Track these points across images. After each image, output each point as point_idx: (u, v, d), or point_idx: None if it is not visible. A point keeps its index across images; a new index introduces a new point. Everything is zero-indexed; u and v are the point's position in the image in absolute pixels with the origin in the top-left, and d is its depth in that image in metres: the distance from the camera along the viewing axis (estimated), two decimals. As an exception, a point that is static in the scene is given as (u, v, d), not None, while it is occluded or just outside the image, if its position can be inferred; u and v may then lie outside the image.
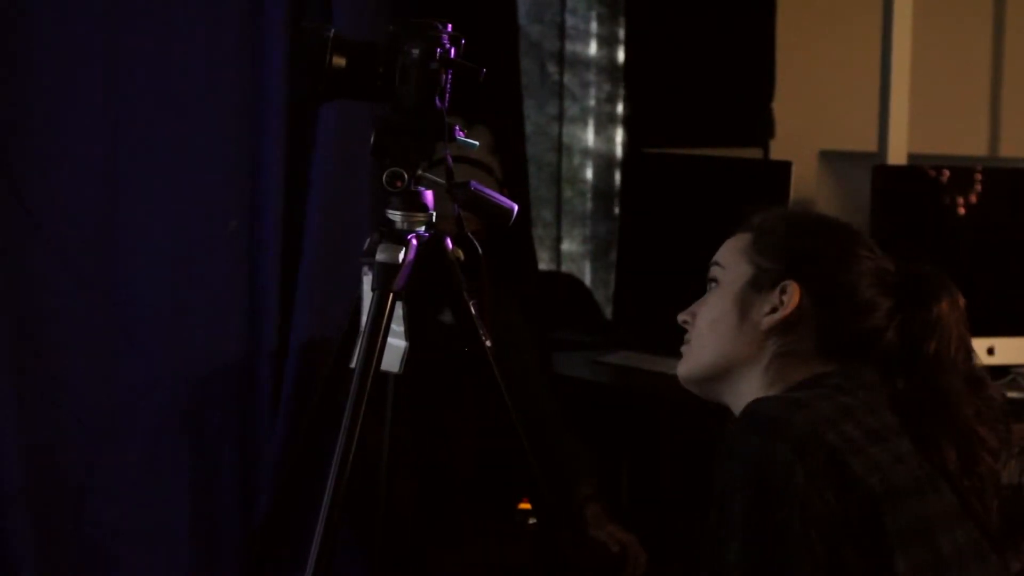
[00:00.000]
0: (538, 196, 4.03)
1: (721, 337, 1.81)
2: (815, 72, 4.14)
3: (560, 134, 4.16)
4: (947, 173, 3.52)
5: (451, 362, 2.64)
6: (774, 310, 1.78)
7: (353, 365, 2.01)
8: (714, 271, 1.84)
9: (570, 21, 4.13)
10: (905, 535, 1.62)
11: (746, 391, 1.79)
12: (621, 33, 4.14)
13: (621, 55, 4.15)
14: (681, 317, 1.87)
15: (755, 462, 1.60)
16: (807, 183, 4.00)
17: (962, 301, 1.78)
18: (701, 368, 1.83)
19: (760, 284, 1.79)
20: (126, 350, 2.83)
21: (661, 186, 3.75)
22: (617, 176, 4.16)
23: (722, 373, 1.81)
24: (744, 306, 1.80)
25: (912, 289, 1.77)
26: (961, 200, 3.52)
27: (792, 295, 1.77)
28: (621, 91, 4.14)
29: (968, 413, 1.74)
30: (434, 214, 2.10)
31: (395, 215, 2.07)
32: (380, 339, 1.99)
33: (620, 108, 4.16)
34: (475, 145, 2.17)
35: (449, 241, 2.10)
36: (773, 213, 1.86)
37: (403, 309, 2.05)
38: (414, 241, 2.05)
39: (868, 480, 1.61)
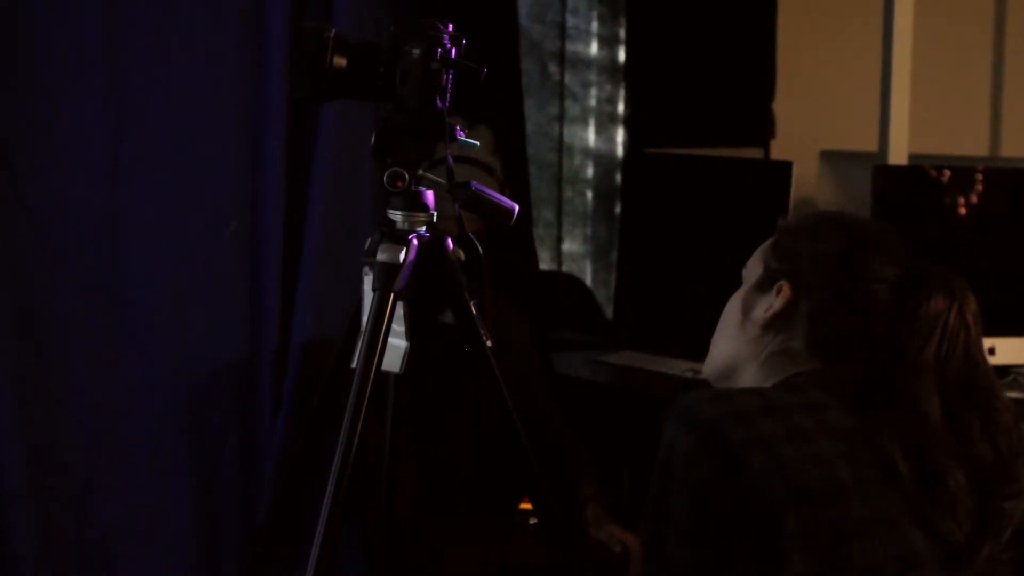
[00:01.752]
0: (539, 196, 4.03)
1: (726, 335, 1.84)
2: (815, 72, 4.14)
3: (561, 134, 4.16)
4: (948, 173, 3.52)
5: (451, 362, 2.64)
6: (769, 309, 1.79)
7: (354, 365, 2.01)
8: (742, 273, 1.87)
9: (571, 21, 4.13)
10: (809, 538, 1.58)
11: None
12: (622, 33, 4.14)
13: (622, 55, 4.15)
14: None
15: (665, 447, 1.63)
16: (807, 183, 4.00)
17: (973, 305, 1.72)
18: (713, 365, 1.87)
19: (763, 284, 1.81)
20: (126, 350, 2.83)
21: (661, 186, 3.75)
22: (618, 176, 4.16)
23: (730, 370, 1.84)
24: (748, 306, 1.82)
25: (907, 289, 1.74)
26: (961, 200, 3.52)
27: (783, 294, 1.78)
28: (622, 91, 4.15)
29: (932, 418, 1.66)
30: (435, 214, 2.10)
31: (396, 215, 2.07)
32: (381, 339, 1.99)
33: (621, 108, 4.16)
34: (476, 145, 2.17)
35: (450, 241, 2.10)
36: (796, 215, 1.88)
37: (404, 309, 2.05)
38: (415, 241, 2.05)
39: (769, 480, 1.58)
